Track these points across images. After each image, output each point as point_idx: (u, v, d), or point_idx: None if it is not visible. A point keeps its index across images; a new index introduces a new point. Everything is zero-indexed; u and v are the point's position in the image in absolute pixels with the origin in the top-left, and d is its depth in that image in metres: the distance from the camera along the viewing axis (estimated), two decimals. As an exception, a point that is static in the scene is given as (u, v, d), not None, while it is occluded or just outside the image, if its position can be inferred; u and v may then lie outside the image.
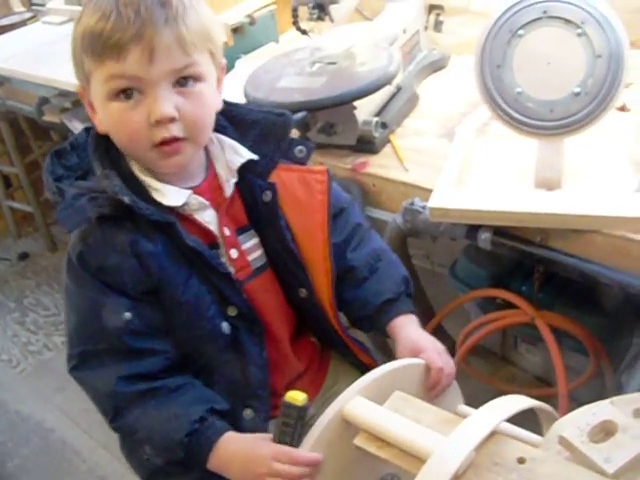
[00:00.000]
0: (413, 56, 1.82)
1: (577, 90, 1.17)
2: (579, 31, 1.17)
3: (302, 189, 1.09)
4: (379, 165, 1.47)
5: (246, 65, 1.90)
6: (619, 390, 1.34)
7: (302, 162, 1.12)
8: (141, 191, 1.00)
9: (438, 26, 1.96)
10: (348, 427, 0.87)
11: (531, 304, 1.46)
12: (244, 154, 1.07)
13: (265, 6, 2.13)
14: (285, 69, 1.54)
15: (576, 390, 1.55)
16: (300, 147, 1.11)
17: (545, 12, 1.18)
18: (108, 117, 0.97)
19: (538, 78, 1.20)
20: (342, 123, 1.48)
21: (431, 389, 1.01)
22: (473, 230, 1.28)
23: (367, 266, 1.16)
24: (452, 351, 1.65)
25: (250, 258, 1.09)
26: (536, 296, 1.50)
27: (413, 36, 1.81)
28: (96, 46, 0.91)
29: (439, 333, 1.73)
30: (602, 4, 1.18)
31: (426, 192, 1.33)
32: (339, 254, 1.14)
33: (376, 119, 1.48)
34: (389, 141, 1.53)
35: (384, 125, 1.52)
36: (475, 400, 0.96)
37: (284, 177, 1.10)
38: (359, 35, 1.61)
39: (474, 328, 1.59)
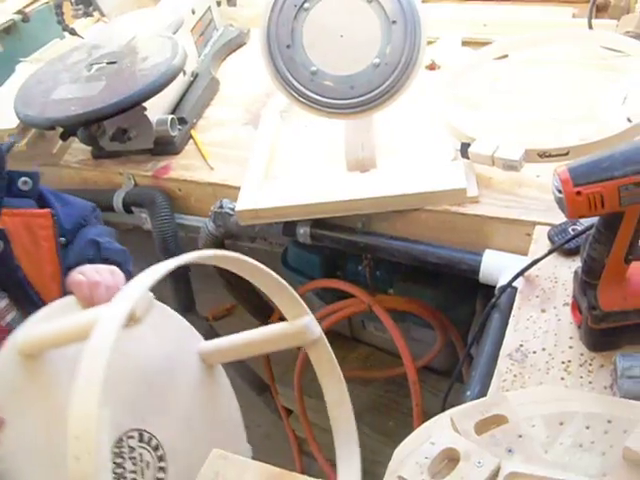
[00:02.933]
0: (208, 37, 1.68)
1: (376, 61, 1.08)
2: (369, -3, 1.07)
3: (28, 237, 0.92)
4: (183, 167, 1.34)
5: (28, 70, 1.68)
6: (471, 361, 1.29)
7: (29, 195, 0.95)
8: None
9: (232, 0, 1.84)
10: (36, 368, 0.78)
11: (367, 290, 1.38)
12: None
13: (37, -1, 1.91)
14: (60, 76, 1.35)
15: (432, 362, 1.52)
16: (24, 178, 0.94)
17: (329, -20, 1.07)
18: None
19: (333, 53, 1.10)
20: (135, 127, 1.33)
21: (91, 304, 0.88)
22: (290, 226, 1.17)
23: None
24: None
25: (4, 323, 0.90)
26: (371, 281, 1.43)
27: (204, 15, 1.67)
28: None
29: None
30: (389, -33, 1.08)
31: (235, 190, 1.21)
32: None
33: (171, 116, 1.34)
34: (191, 137, 1.40)
35: (182, 120, 1.38)
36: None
37: (9, 224, 0.91)
38: (141, 24, 1.45)
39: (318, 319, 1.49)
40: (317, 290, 1.56)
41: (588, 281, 0.82)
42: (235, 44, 1.72)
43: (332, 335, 1.73)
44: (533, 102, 1.33)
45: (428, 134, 1.23)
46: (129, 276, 0.98)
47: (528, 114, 1.30)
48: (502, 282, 1.03)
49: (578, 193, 0.72)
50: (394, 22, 1.07)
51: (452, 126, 1.19)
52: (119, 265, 0.98)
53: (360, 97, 1.09)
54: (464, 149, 1.13)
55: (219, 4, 1.82)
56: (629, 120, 1.21)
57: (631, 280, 0.82)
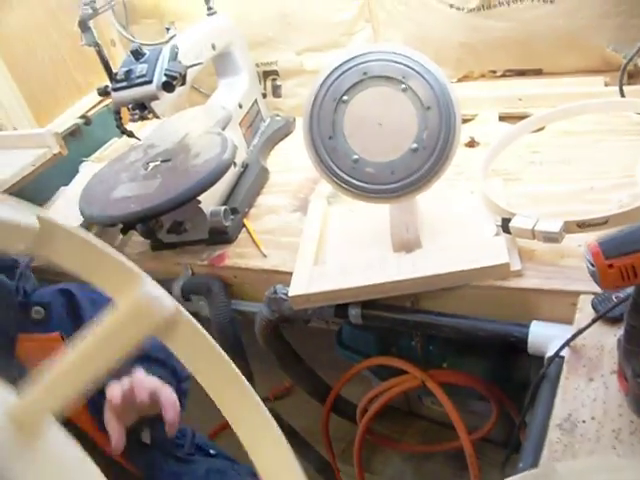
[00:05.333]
0: (255, 128, 1.76)
1: (414, 146, 1.13)
2: (403, 87, 1.13)
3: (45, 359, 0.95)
4: (237, 255, 1.39)
5: (91, 169, 1.79)
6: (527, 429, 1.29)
7: (44, 323, 0.98)
8: None
9: (277, 91, 1.93)
10: None
11: (420, 366, 1.40)
12: None
13: (99, 102, 2.04)
14: (119, 175, 1.44)
15: (489, 434, 1.51)
16: (36, 308, 0.97)
17: (365, 74, 1.14)
18: None
19: (373, 141, 1.15)
20: (190, 219, 1.40)
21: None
22: (342, 308, 1.21)
23: None
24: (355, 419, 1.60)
25: None
26: (423, 356, 1.45)
27: (251, 108, 1.75)
28: None
29: (341, 404, 1.67)
30: (420, 56, 1.15)
31: (288, 276, 1.25)
32: None
33: (224, 207, 1.40)
34: (244, 225, 1.46)
35: (235, 211, 1.45)
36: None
37: (25, 350, 0.93)
38: (192, 122, 1.54)
39: (372, 397, 1.52)
40: (372, 367, 1.59)
41: (631, 348, 0.84)
42: (282, 133, 1.80)
43: (390, 410, 1.76)
44: (571, 172, 1.37)
45: (470, 211, 1.27)
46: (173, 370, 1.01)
47: (566, 185, 1.33)
48: (550, 352, 1.05)
49: (610, 266, 0.75)
50: (429, 108, 1.12)
51: (492, 202, 1.23)
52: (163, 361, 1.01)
53: (401, 182, 1.14)
54: (505, 224, 1.16)
55: (265, 96, 1.91)
56: (667, 185, 1.24)
57: (674, 345, 0.85)
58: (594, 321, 0.97)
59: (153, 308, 0.46)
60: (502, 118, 1.64)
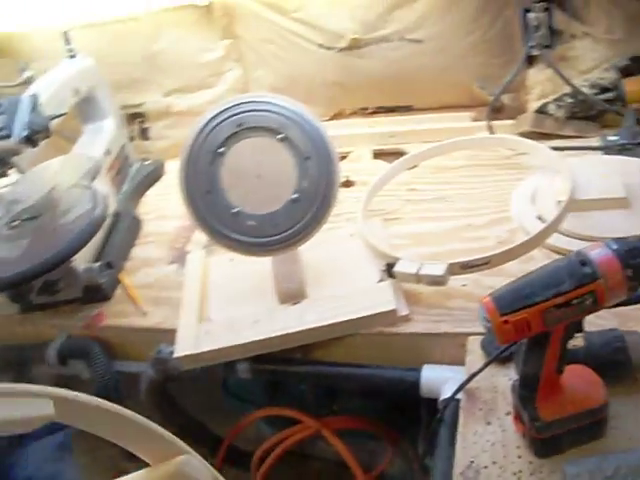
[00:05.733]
0: (124, 174, 1.70)
1: (295, 196, 1.12)
2: (280, 136, 1.11)
3: None
4: (115, 314, 1.32)
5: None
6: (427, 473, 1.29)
7: None
8: None
9: (144, 134, 1.88)
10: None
11: (311, 412, 1.38)
12: None
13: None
14: (-21, 237, 1.34)
15: (387, 472, 1.50)
16: None
17: (241, 125, 1.12)
18: None
19: (252, 193, 1.13)
20: (62, 278, 1.32)
21: None
22: (230, 364, 1.17)
23: None
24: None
25: None
26: (314, 400, 1.43)
27: (120, 153, 1.69)
28: None
29: (235, 455, 1.61)
30: (295, 105, 1.13)
31: (171, 333, 1.20)
32: None
33: (98, 264, 1.34)
34: (120, 281, 1.39)
35: (109, 265, 1.38)
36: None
37: None
38: (59, 173, 1.45)
39: (267, 448, 1.48)
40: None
41: (526, 394, 0.85)
42: (152, 179, 1.74)
43: (285, 454, 1.72)
44: (447, 210, 1.39)
45: (352, 255, 1.26)
46: None
47: (445, 223, 1.35)
48: (443, 395, 1.05)
49: (505, 322, 0.76)
50: (308, 158, 1.11)
51: (373, 246, 1.23)
52: None
53: (283, 233, 1.12)
54: (389, 269, 1.16)
55: (132, 139, 1.85)
56: (540, 219, 1.27)
57: (566, 386, 0.86)
58: (486, 365, 0.98)
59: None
60: (376, 155, 1.66)
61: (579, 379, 0.87)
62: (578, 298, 0.75)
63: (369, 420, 1.40)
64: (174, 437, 0.58)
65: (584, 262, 0.76)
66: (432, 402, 1.10)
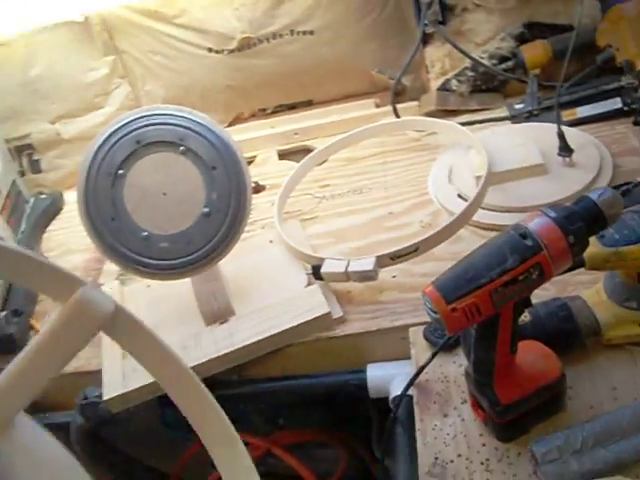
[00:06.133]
0: (20, 213, 1.58)
1: (206, 210, 1.05)
2: (182, 149, 1.05)
3: None
4: (29, 362, 1.23)
5: None
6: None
7: None
8: None
9: (35, 166, 1.76)
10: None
11: (256, 431, 1.31)
12: None
13: None
14: None
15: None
16: None
17: (139, 142, 1.04)
18: None
19: (160, 213, 1.06)
20: (-34, 333, 1.22)
21: None
22: (164, 396, 1.09)
23: None
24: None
25: None
26: (257, 417, 1.36)
27: (11, 191, 1.58)
28: None
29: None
30: (193, 114, 1.07)
31: (96, 375, 1.12)
32: None
33: (4, 313, 1.24)
34: (32, 327, 1.29)
35: (17, 313, 1.28)
36: None
37: None
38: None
39: (218, 477, 1.41)
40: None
41: (482, 380, 0.82)
42: (51, 213, 1.64)
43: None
44: (365, 201, 1.35)
45: (275, 262, 1.21)
46: None
47: (364, 215, 1.31)
48: (393, 392, 1.01)
49: (453, 310, 0.72)
50: (214, 168, 1.05)
51: (295, 250, 1.17)
52: None
53: (199, 251, 1.05)
54: (316, 272, 1.11)
55: (23, 174, 1.74)
56: (461, 197, 1.24)
57: (520, 365, 0.83)
58: (434, 355, 0.94)
59: (94, 307, 0.57)
60: (282, 155, 1.61)
61: (532, 355, 0.84)
62: (524, 273, 0.72)
63: (318, 430, 1.34)
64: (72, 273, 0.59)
65: (524, 235, 0.73)
66: (382, 401, 1.06)
